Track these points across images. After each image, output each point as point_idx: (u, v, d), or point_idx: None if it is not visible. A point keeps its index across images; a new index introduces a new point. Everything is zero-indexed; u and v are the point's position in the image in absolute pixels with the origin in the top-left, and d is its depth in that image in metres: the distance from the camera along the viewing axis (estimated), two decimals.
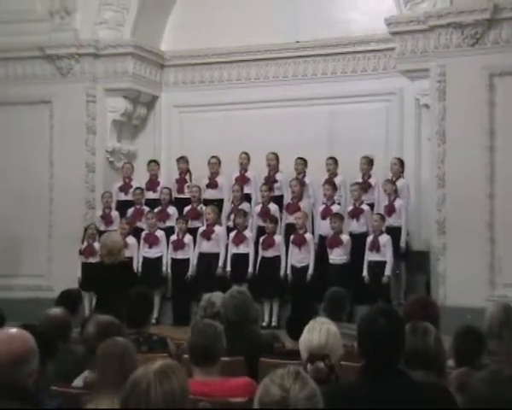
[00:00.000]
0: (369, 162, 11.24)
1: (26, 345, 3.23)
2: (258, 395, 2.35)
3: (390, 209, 10.74)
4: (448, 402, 3.11)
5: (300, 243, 10.70)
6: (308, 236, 10.76)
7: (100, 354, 3.58)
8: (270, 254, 10.80)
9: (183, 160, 12.20)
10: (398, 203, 10.76)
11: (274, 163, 11.70)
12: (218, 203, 11.66)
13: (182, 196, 12.02)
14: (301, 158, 11.51)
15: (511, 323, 5.14)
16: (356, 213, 10.90)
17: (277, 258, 10.79)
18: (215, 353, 4.16)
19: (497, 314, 5.09)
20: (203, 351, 4.12)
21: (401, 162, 11.16)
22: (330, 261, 10.56)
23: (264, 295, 10.71)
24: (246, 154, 11.86)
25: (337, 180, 11.31)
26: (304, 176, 11.51)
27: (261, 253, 10.86)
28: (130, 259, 10.89)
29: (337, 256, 10.53)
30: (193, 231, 11.26)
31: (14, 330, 3.32)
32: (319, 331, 3.81)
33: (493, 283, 10.08)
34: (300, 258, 10.70)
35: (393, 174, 11.05)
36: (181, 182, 12.14)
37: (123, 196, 12.22)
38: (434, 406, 3.10)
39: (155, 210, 11.65)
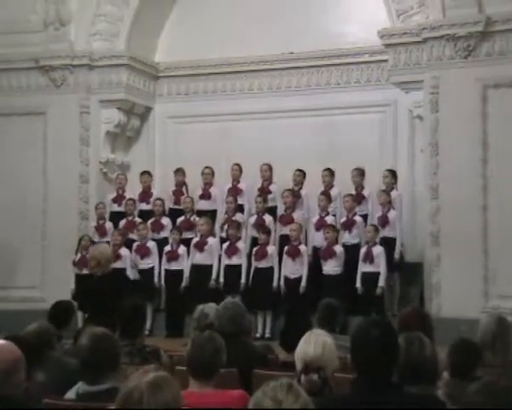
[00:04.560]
0: (360, 174, 11.22)
1: (14, 356, 3.20)
2: (250, 408, 2.33)
3: (383, 220, 10.73)
4: None
5: (294, 254, 10.69)
6: (302, 247, 10.74)
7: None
8: (262, 265, 10.79)
9: (180, 172, 12.20)
10: (391, 215, 10.74)
11: (268, 174, 11.70)
12: (212, 214, 11.65)
13: (178, 207, 11.99)
14: (300, 170, 11.51)
15: (505, 334, 5.14)
16: (348, 225, 10.89)
17: (270, 269, 10.77)
18: (213, 369, 4.13)
19: (490, 326, 5.08)
20: (201, 367, 4.10)
21: (393, 174, 11.15)
22: (324, 272, 10.56)
23: (258, 307, 10.69)
24: (237, 165, 11.86)
25: (333, 192, 11.30)
26: (300, 188, 11.51)
27: (254, 264, 10.85)
28: (123, 270, 10.89)
29: (331, 267, 10.52)
30: (186, 242, 11.25)
31: (1, 341, 3.29)
32: (315, 343, 3.80)
33: (487, 294, 10.07)
34: (294, 269, 10.68)
35: (386, 186, 11.03)
36: (178, 194, 12.12)
37: (116, 208, 12.20)
38: None
39: (149, 221, 11.64)
